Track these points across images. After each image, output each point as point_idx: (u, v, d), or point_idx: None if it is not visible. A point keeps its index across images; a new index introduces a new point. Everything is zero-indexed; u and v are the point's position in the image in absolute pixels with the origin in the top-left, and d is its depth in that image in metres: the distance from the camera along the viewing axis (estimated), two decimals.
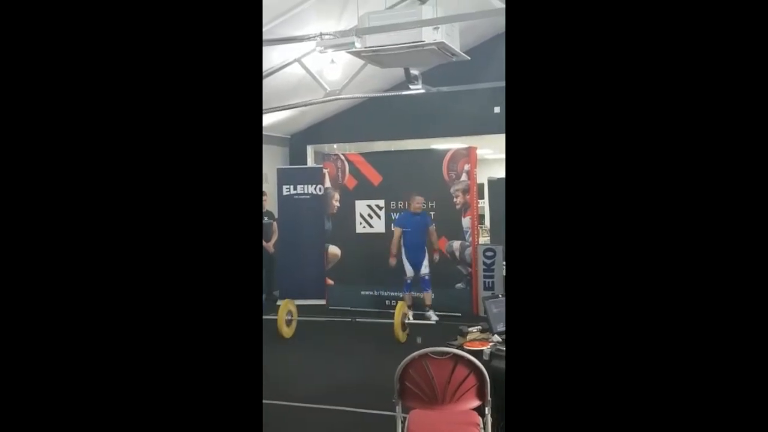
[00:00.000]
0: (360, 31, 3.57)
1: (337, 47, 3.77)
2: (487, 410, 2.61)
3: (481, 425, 2.59)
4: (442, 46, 3.52)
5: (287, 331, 6.25)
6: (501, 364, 2.81)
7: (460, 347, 2.95)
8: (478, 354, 2.83)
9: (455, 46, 3.66)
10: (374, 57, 3.81)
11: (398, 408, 2.67)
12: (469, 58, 3.90)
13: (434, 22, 3.41)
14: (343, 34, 3.72)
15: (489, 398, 2.60)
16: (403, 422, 2.68)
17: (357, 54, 3.78)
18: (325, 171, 7.80)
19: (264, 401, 2.85)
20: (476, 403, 2.64)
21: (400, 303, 6.17)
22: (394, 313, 5.88)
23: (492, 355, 2.90)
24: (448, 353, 2.59)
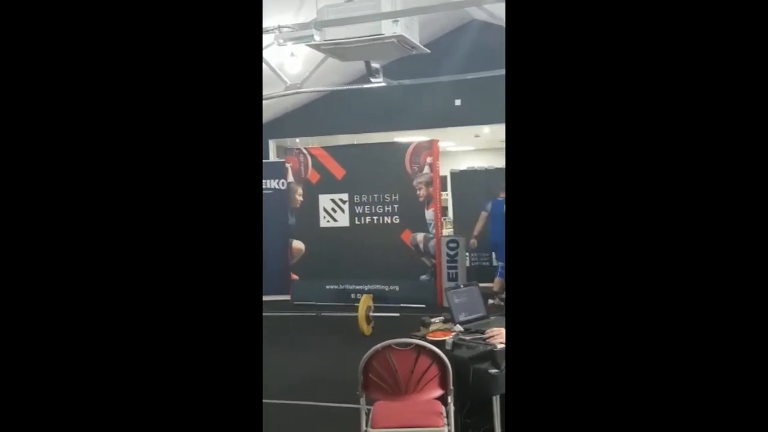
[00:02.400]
0: (319, 24, 3.54)
1: (296, 40, 3.72)
2: (449, 399, 2.64)
3: (444, 414, 2.62)
4: (401, 39, 3.51)
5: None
6: (463, 354, 2.85)
7: (423, 338, 2.97)
8: (440, 344, 2.85)
9: (415, 39, 3.66)
10: (334, 50, 3.78)
11: (362, 400, 2.68)
12: (429, 51, 3.91)
13: (393, 15, 3.40)
14: (302, 26, 3.68)
15: (451, 387, 2.63)
16: (367, 414, 2.68)
17: (316, 47, 3.74)
18: (287, 165, 7.75)
19: None
20: (439, 392, 2.66)
21: (364, 296, 6.17)
22: (358, 306, 5.89)
23: (454, 345, 2.93)
24: (410, 344, 2.61)
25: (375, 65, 4.72)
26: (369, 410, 2.70)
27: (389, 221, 7.33)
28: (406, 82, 5.89)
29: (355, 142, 8.56)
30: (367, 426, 2.61)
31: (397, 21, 3.44)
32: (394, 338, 2.63)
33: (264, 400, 4.11)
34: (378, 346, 2.59)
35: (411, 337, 2.78)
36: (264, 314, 6.42)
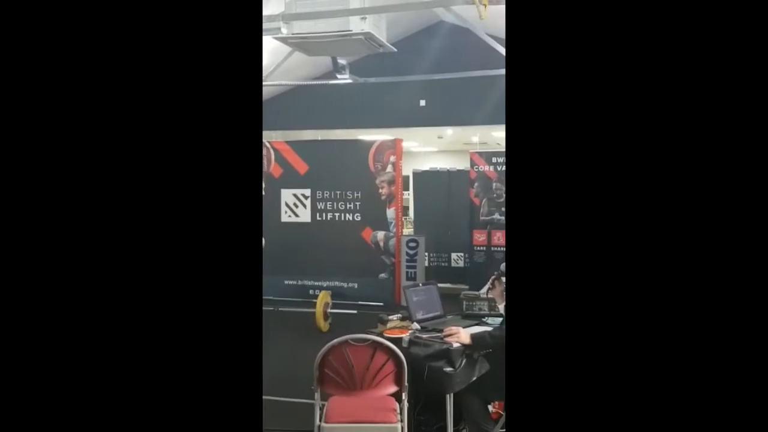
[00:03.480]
0: (287, 17, 3.51)
1: (264, 32, 3.68)
2: (404, 396, 2.66)
3: (398, 411, 2.64)
4: (369, 37, 3.51)
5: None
6: (419, 351, 2.87)
7: (380, 335, 2.99)
8: (397, 341, 2.87)
9: (382, 37, 3.67)
10: (301, 44, 3.76)
11: (317, 395, 2.67)
12: (395, 50, 3.93)
13: (361, 12, 3.40)
14: (270, 18, 3.64)
15: (406, 384, 2.65)
16: (321, 409, 2.68)
17: (284, 40, 3.71)
18: None
19: None
20: (394, 389, 2.68)
21: (322, 293, 6.16)
22: (316, 302, 5.87)
23: (411, 342, 2.95)
24: (367, 340, 2.62)
25: (342, 62, 4.71)
26: (323, 405, 2.69)
27: (350, 218, 7.33)
28: (372, 80, 5.90)
29: (320, 138, 8.52)
30: (320, 421, 2.61)
31: (365, 18, 3.45)
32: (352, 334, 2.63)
33: None
34: (335, 341, 2.59)
35: (368, 334, 2.79)
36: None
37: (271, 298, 7.21)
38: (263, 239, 7.44)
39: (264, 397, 4.08)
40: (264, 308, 6.30)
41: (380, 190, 7.25)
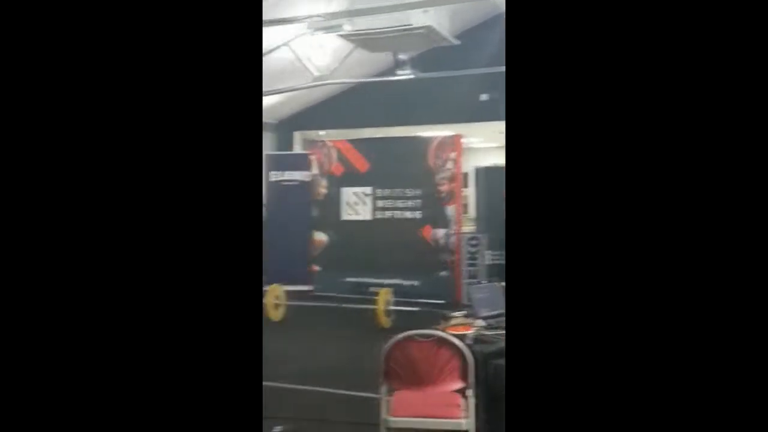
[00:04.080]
0: (349, 14, 3.54)
1: (327, 29, 3.73)
2: (469, 392, 2.63)
3: (463, 406, 2.61)
4: (430, 30, 3.49)
5: (275, 315, 6.28)
6: (484, 348, 2.83)
7: (444, 332, 2.96)
8: (461, 338, 2.84)
9: (444, 30, 3.64)
10: (363, 41, 3.78)
11: (383, 389, 2.68)
12: (458, 42, 3.89)
13: (423, 5, 3.38)
14: (333, 16, 3.68)
15: (472, 380, 2.62)
16: (387, 403, 2.68)
17: (346, 37, 3.75)
18: (312, 157, 7.78)
19: None
20: (459, 385, 2.65)
21: (383, 290, 6.19)
22: (377, 299, 5.90)
23: (475, 339, 2.91)
24: (432, 335, 2.60)
25: (403, 57, 4.71)
26: (389, 399, 2.69)
27: (410, 216, 7.31)
28: (433, 74, 5.86)
29: (380, 136, 8.56)
30: (386, 414, 2.61)
31: (427, 11, 3.43)
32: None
33: (287, 385, 4.15)
34: (400, 335, 2.60)
35: (432, 330, 2.78)
36: (288, 303, 6.45)
37: (332, 294, 7.30)
38: (325, 237, 7.58)
39: (328, 390, 4.14)
40: (326, 304, 6.42)
41: (440, 187, 7.20)
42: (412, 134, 8.16)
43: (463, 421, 2.55)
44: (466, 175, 8.74)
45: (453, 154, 7.12)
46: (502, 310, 3.37)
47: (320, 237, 7.71)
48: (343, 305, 6.30)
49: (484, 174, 8.68)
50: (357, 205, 7.57)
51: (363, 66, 7.36)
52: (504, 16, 7.72)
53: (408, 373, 2.63)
